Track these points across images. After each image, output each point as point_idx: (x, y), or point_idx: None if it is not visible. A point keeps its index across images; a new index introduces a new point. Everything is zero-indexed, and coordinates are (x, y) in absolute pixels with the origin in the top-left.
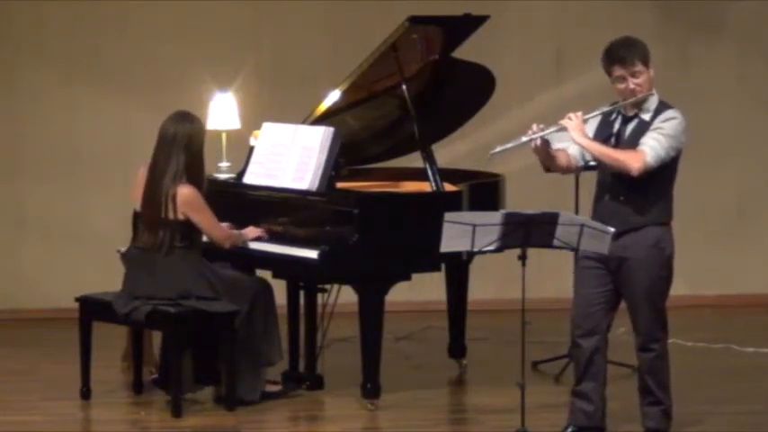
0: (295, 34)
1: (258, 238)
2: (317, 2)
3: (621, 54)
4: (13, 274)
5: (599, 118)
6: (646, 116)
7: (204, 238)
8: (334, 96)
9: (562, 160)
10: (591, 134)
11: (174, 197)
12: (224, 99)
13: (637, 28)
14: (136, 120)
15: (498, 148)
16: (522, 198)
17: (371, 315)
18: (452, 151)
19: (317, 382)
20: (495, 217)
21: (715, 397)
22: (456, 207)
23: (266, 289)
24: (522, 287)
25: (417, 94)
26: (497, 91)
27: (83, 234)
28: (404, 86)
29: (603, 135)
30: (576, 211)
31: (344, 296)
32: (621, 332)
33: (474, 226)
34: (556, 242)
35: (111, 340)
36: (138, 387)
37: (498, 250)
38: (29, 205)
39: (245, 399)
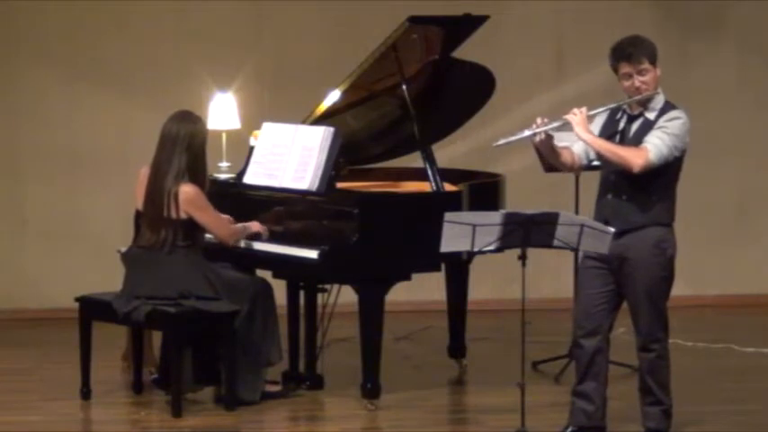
0: (295, 34)
1: (259, 236)
2: (317, 2)
3: (629, 51)
4: (13, 274)
5: (605, 116)
6: (651, 115)
7: (208, 236)
8: (334, 96)
9: (566, 157)
10: (596, 132)
11: (176, 196)
12: (224, 99)
13: (637, 27)
14: (136, 120)
15: (502, 141)
16: (522, 198)
17: (371, 315)
18: (452, 151)
19: (317, 382)
20: (495, 217)
21: (715, 397)
22: (456, 207)
23: (266, 289)
24: (523, 287)
25: (417, 94)
26: (497, 91)
27: (83, 234)
28: (404, 86)
29: (608, 133)
30: (576, 211)
31: (344, 296)
32: (622, 332)
33: (474, 226)
34: (556, 242)
35: (111, 340)
36: (138, 387)
37: (498, 250)
38: (29, 205)
39: (245, 399)
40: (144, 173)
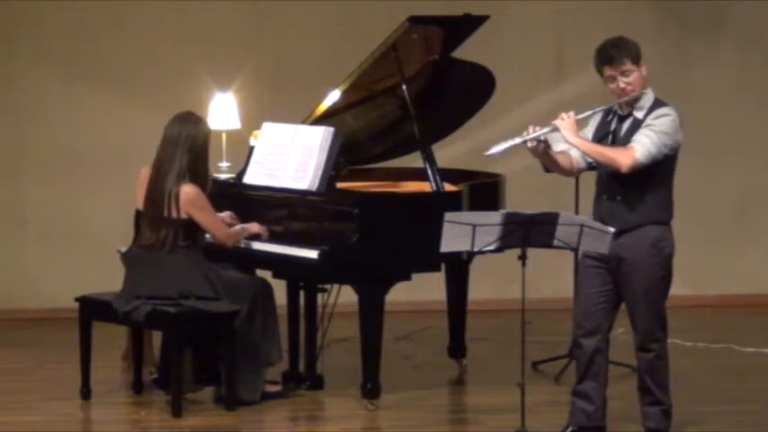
0: (295, 34)
1: (259, 236)
2: (317, 2)
3: (610, 54)
4: (13, 274)
5: (598, 118)
6: (639, 114)
7: (208, 237)
8: (334, 96)
9: (565, 163)
10: (591, 134)
11: (177, 196)
12: (224, 99)
13: (636, 27)
14: (136, 120)
15: (493, 149)
16: (522, 198)
17: (371, 315)
18: (452, 151)
19: (317, 382)
20: (495, 217)
21: (715, 397)
22: (456, 207)
23: (266, 289)
24: (523, 287)
25: (417, 94)
26: (497, 91)
27: (83, 234)
28: (404, 86)
29: (601, 134)
30: (576, 211)
31: (344, 296)
32: (621, 332)
33: (474, 226)
34: (556, 242)
35: (111, 340)
36: (138, 387)
37: (498, 250)
38: (29, 205)
39: (245, 399)
40: (144, 173)
